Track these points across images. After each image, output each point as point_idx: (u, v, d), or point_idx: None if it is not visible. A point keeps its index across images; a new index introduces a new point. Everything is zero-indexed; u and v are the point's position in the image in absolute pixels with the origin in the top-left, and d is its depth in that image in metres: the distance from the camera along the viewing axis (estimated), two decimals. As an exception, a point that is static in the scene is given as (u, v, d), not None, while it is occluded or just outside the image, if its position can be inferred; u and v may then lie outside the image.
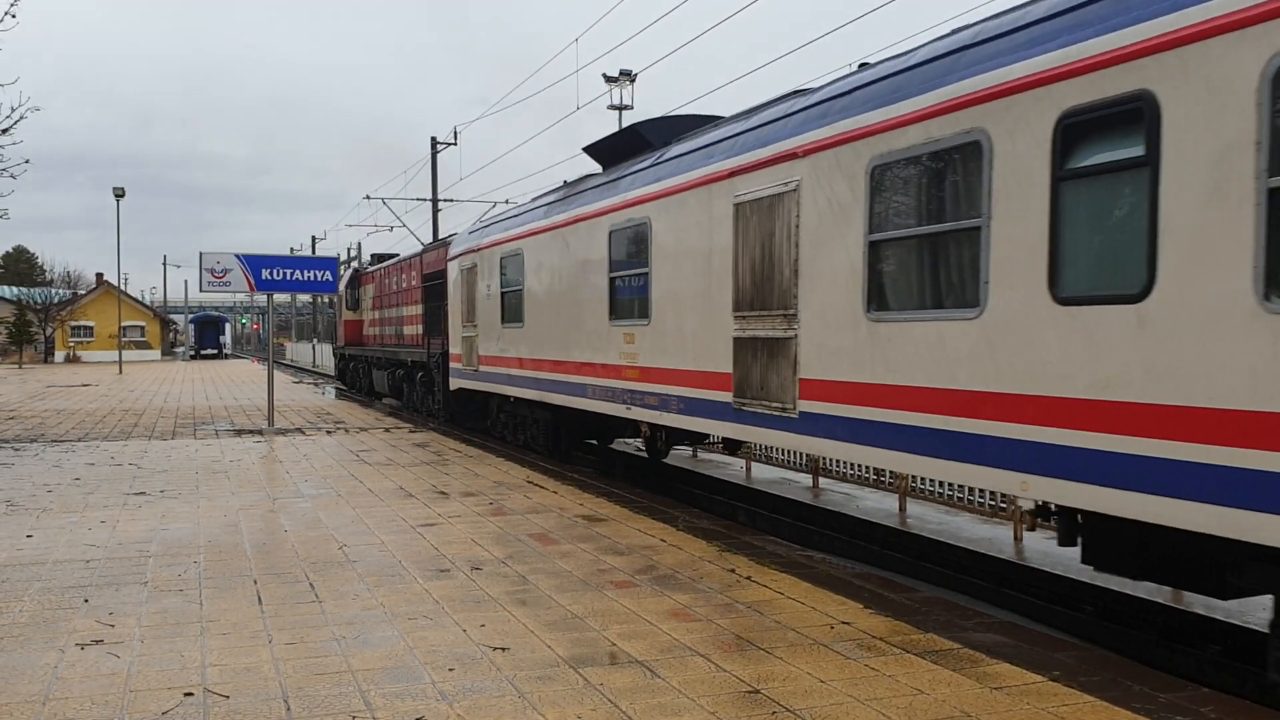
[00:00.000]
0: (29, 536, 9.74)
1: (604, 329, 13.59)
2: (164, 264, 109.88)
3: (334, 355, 39.29)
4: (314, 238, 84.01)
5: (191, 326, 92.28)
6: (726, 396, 10.45)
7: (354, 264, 40.41)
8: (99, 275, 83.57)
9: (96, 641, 6.41)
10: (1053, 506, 6.83)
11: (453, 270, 20.75)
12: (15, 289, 75.40)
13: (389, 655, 6.12)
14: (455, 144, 41.58)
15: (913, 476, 13.45)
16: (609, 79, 36.76)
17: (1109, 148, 6.22)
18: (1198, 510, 5.58)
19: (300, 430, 20.38)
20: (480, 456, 16.02)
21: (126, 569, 8.40)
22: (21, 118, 19.32)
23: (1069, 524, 6.84)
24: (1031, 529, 11.48)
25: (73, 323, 76.89)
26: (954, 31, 7.98)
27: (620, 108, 37.13)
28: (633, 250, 12.72)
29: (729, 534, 9.81)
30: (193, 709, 5.24)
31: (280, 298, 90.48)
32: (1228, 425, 5.44)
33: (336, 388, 37.61)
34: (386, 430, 20.43)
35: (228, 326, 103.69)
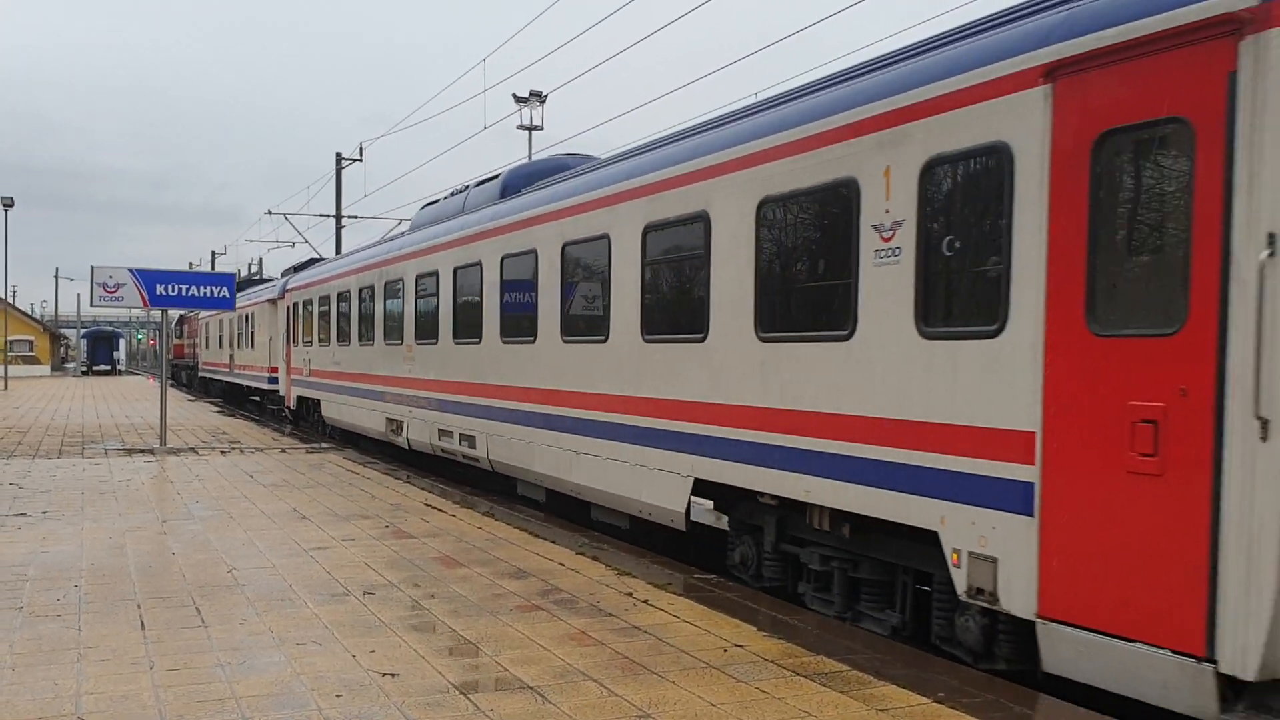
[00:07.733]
0: (-103, 559, 9.31)
1: (231, 351, 38.73)
2: (56, 277, 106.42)
3: (166, 364, 66.45)
4: (214, 253, 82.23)
5: (84, 341, 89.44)
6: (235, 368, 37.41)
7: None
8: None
9: (-35, 670, 6.16)
10: None
11: (202, 324, 46.49)
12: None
13: (275, 682, 5.99)
14: (360, 160, 41.10)
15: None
16: (519, 99, 36.71)
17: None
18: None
19: (194, 450, 19.87)
20: (378, 479, 15.80)
21: None
22: None
23: None
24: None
25: (-45, 336, 73.82)
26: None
27: (530, 128, 37.09)
28: (247, 325, 34.52)
29: (630, 557, 9.83)
30: (65, 740, 5.06)
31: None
32: None
33: (171, 383, 58.77)
34: (283, 450, 20.03)
35: (122, 342, 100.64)
